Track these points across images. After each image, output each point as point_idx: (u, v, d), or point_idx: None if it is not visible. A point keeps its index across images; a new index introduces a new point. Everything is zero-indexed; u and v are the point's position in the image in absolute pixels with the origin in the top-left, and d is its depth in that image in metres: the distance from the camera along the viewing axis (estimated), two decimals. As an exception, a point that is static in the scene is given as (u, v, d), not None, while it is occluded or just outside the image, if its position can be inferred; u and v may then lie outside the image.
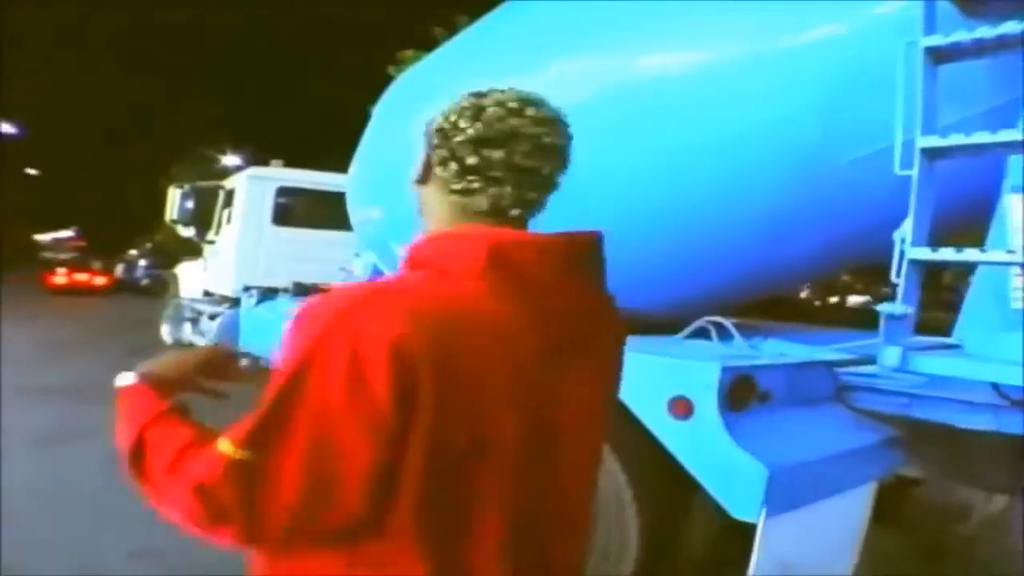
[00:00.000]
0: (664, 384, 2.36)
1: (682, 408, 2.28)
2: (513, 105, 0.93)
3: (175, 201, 9.00)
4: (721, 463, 2.22)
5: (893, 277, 2.00)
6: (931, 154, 2.05)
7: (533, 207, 0.97)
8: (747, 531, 2.22)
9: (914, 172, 2.04)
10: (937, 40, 2.14)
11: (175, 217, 9.08)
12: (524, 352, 0.89)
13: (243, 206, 8.14)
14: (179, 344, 9.50)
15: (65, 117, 47.13)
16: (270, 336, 5.08)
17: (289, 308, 5.54)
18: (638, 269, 3.21)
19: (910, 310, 1.99)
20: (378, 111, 4.86)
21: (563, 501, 0.99)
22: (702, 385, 2.25)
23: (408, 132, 3.31)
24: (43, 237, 49.46)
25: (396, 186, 2.97)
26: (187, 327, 9.42)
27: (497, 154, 0.91)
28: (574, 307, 0.95)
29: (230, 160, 25.34)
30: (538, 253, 0.90)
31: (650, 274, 3.19)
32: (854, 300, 14.97)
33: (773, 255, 3.14)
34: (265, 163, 9.23)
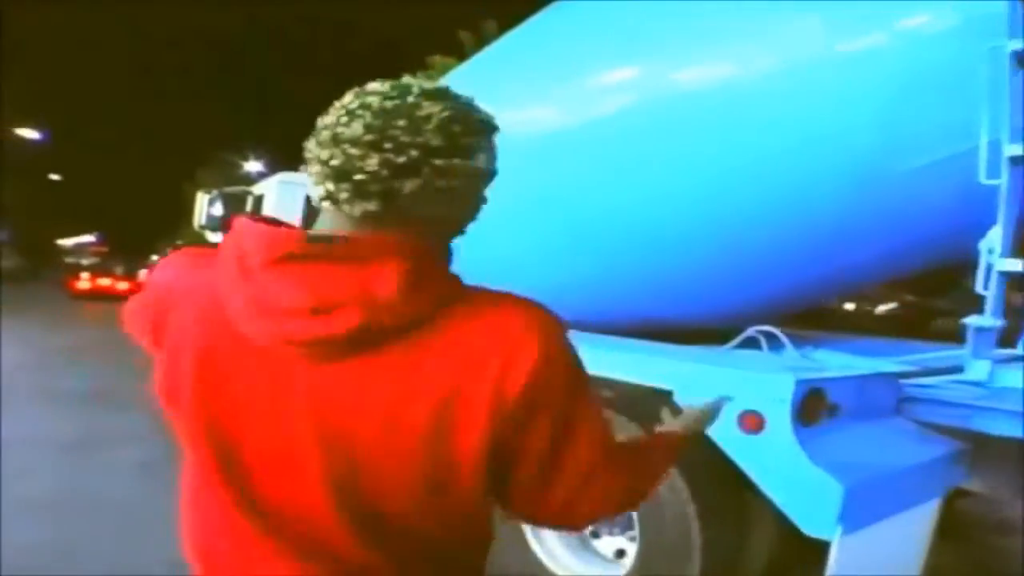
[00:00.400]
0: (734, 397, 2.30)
1: (753, 423, 2.23)
2: (346, 98, 0.93)
3: (202, 207, 8.95)
4: (794, 479, 2.16)
5: (979, 288, 1.93)
6: (1019, 162, 1.99)
7: (340, 199, 0.90)
8: (809, 545, 2.17)
9: (1003, 181, 1.97)
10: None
11: (203, 223, 9.01)
12: (221, 334, 0.93)
13: (273, 212, 8.12)
14: None
15: (87, 123, 47.67)
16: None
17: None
18: (694, 279, 3.17)
19: (999, 323, 1.93)
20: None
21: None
22: (775, 399, 2.19)
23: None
24: (66, 242, 50.01)
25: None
26: None
27: (309, 144, 0.94)
28: (302, 304, 0.86)
29: (252, 166, 25.45)
30: (255, 241, 0.90)
31: (705, 284, 3.14)
32: (881, 308, 14.83)
33: (830, 266, 3.08)
34: (294, 168, 9.21)
